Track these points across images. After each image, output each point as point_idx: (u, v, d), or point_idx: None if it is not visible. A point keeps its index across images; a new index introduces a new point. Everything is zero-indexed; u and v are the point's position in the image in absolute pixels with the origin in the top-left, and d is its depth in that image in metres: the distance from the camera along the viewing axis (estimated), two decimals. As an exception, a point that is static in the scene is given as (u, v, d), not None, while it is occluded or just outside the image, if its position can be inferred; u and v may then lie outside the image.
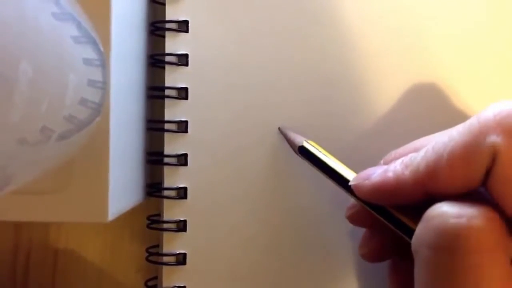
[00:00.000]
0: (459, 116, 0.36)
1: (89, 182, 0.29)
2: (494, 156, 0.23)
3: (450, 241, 0.23)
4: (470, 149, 0.24)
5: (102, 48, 0.29)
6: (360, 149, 0.37)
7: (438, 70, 0.37)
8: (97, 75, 0.28)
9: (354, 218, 0.32)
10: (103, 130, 0.29)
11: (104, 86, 0.29)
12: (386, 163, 0.30)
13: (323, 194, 0.36)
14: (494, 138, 0.23)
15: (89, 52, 0.28)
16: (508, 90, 0.37)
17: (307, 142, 0.34)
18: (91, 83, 0.27)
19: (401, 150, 0.30)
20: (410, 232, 0.26)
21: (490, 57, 0.37)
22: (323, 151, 0.33)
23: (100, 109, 0.29)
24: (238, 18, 0.37)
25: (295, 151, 0.35)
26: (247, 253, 0.37)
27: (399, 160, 0.28)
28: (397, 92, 0.37)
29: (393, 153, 0.31)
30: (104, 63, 0.29)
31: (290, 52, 0.37)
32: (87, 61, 0.27)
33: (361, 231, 0.33)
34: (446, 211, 0.23)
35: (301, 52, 0.37)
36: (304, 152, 0.34)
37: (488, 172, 0.24)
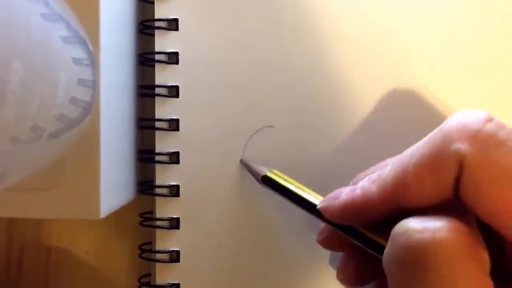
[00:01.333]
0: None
1: (81, 179, 0.30)
2: (460, 163, 0.23)
3: (417, 257, 0.22)
4: (436, 157, 0.24)
5: (91, 48, 0.29)
6: (347, 148, 0.36)
7: (422, 77, 0.36)
8: (87, 74, 0.28)
9: (327, 243, 0.31)
10: (94, 128, 0.30)
11: (94, 85, 0.29)
12: (357, 181, 0.29)
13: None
14: (458, 145, 0.23)
15: (78, 52, 0.28)
16: (496, 94, 0.37)
17: (271, 172, 0.34)
18: (81, 82, 0.28)
19: (369, 171, 0.30)
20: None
21: (478, 62, 0.37)
22: (288, 179, 0.33)
23: (91, 108, 0.29)
24: (228, 16, 0.37)
25: (258, 182, 0.34)
26: (241, 250, 0.37)
27: (366, 177, 0.27)
28: (383, 96, 0.37)
29: (361, 175, 0.30)
30: (93, 63, 0.29)
31: (280, 50, 0.37)
32: (76, 61, 0.27)
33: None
34: (410, 227, 0.23)
35: (292, 50, 0.37)
36: (268, 182, 0.34)
37: (457, 181, 0.23)
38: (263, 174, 0.34)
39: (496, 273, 0.23)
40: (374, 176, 0.27)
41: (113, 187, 0.32)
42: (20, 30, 0.23)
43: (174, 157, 0.36)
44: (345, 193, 0.27)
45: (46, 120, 0.25)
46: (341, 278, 0.31)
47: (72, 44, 0.27)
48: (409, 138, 0.26)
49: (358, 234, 0.27)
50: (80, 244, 0.39)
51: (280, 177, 0.33)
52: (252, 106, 0.37)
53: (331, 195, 0.29)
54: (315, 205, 0.30)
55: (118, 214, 0.35)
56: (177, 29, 0.36)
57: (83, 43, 0.29)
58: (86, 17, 0.29)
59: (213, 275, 0.37)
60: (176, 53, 0.36)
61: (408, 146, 0.26)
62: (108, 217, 0.31)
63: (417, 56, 0.36)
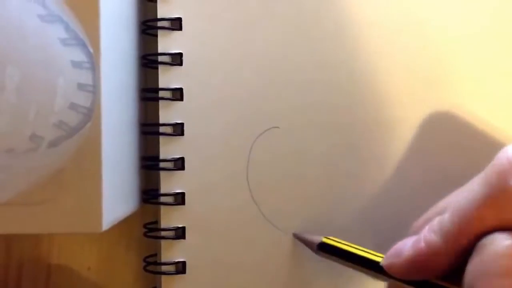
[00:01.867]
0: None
1: (81, 191, 0.29)
2: None
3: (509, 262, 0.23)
4: (496, 195, 0.24)
5: (91, 50, 0.28)
6: (353, 148, 0.36)
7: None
8: (87, 78, 0.28)
9: None
10: (95, 135, 0.29)
11: (94, 90, 0.28)
12: (416, 230, 0.29)
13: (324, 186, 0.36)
14: None
15: (78, 55, 0.27)
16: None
17: (326, 238, 0.34)
18: (81, 87, 0.27)
19: (424, 216, 0.30)
20: None
21: (495, 56, 0.36)
22: (343, 242, 0.33)
23: (91, 114, 0.28)
24: (234, 14, 0.36)
25: (315, 252, 0.34)
26: (249, 261, 0.36)
27: (425, 228, 0.27)
28: (392, 93, 0.36)
29: (419, 222, 0.30)
30: (94, 66, 0.28)
31: (287, 50, 0.36)
32: (76, 64, 0.26)
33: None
34: (499, 237, 0.23)
35: (298, 50, 0.36)
36: (325, 249, 0.33)
37: None
38: (318, 241, 0.34)
39: None
40: (435, 226, 0.26)
41: (116, 197, 0.31)
42: (15, 31, 0.23)
43: (179, 163, 0.36)
44: (408, 247, 0.27)
45: (45, 128, 0.25)
46: None
47: (71, 47, 0.26)
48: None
49: (429, 285, 0.27)
50: (82, 259, 0.38)
51: (336, 241, 0.33)
52: (259, 108, 0.36)
53: (393, 251, 0.28)
54: (377, 263, 0.29)
55: (121, 226, 0.34)
56: (180, 28, 0.36)
57: (82, 45, 0.28)
58: (86, 18, 0.28)
59: (220, 286, 0.36)
60: (180, 54, 0.36)
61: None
62: (110, 229, 0.30)
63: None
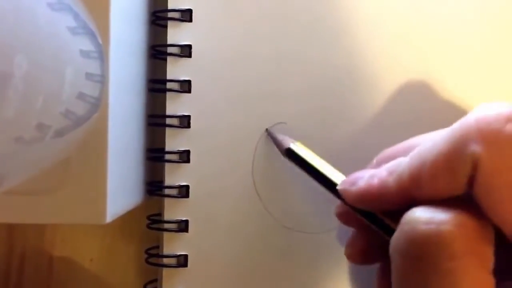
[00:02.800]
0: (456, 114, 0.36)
1: (86, 182, 0.28)
2: (475, 166, 0.23)
3: (419, 248, 0.23)
4: (452, 158, 0.24)
5: (100, 40, 0.28)
6: (359, 144, 0.36)
7: (436, 68, 0.36)
8: (95, 68, 0.27)
9: (343, 217, 0.32)
10: (101, 126, 0.28)
11: (102, 80, 0.28)
12: (378, 163, 0.30)
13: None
14: (474, 147, 0.23)
15: (86, 44, 0.27)
16: (505, 87, 0.37)
17: (295, 144, 0.34)
18: (89, 76, 0.27)
19: (393, 149, 0.30)
20: None
21: (488, 54, 0.36)
22: (312, 154, 0.33)
23: (99, 104, 0.28)
24: (244, 7, 0.36)
25: (282, 154, 0.34)
26: (251, 255, 0.36)
27: (385, 166, 0.28)
28: (395, 91, 0.36)
29: (387, 152, 0.31)
30: (102, 56, 0.28)
31: (297, 43, 0.36)
32: (84, 53, 0.26)
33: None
34: (417, 217, 0.24)
35: (308, 44, 0.36)
36: (291, 155, 0.33)
37: (471, 180, 0.23)
38: (287, 146, 0.34)
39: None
40: (391, 166, 0.27)
41: (121, 189, 0.31)
42: (24, 20, 0.22)
43: (185, 156, 0.35)
44: (363, 180, 0.28)
45: (52, 117, 0.24)
46: (348, 253, 0.32)
47: (80, 36, 0.26)
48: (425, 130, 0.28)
49: (373, 217, 0.29)
50: (85, 250, 0.38)
51: (305, 150, 0.33)
52: (266, 103, 0.36)
53: (350, 178, 0.29)
54: (335, 185, 0.31)
55: (124, 217, 0.33)
56: (190, 20, 0.35)
57: (91, 34, 0.27)
58: (95, 7, 0.28)
59: (221, 280, 0.36)
60: (189, 46, 0.35)
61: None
62: (113, 221, 0.30)
63: (437, 51, 0.36)
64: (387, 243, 0.26)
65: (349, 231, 0.32)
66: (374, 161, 0.31)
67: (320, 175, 0.32)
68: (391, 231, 0.26)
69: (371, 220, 0.29)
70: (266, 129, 0.36)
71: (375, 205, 0.28)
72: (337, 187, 0.30)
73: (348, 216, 0.32)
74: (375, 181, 0.27)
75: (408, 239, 0.24)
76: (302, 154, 0.33)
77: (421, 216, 0.24)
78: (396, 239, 0.24)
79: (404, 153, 0.27)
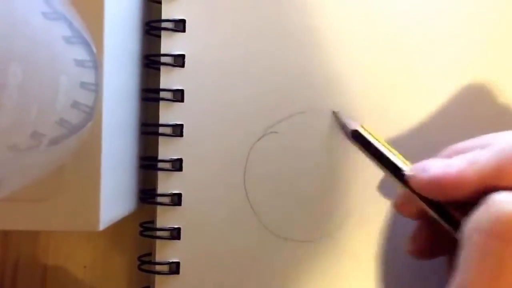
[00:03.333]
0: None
1: (80, 189, 0.29)
2: None
3: (506, 226, 0.24)
4: None
5: (94, 49, 0.28)
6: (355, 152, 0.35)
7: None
8: (89, 77, 0.27)
9: (402, 208, 0.32)
10: (95, 134, 0.29)
11: (96, 89, 0.28)
12: (448, 155, 0.30)
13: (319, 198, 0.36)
14: None
15: (81, 53, 0.27)
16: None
17: (362, 127, 0.34)
18: (84, 85, 0.27)
19: (465, 144, 0.30)
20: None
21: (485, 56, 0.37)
22: (379, 138, 0.33)
23: (93, 113, 0.28)
24: (236, 17, 0.36)
25: (347, 137, 0.35)
26: (243, 262, 0.36)
27: (462, 156, 0.28)
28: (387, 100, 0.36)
29: (458, 146, 0.30)
30: (96, 65, 0.28)
31: (289, 53, 0.36)
32: (79, 63, 0.26)
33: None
34: (505, 198, 0.24)
35: (301, 53, 0.36)
36: (357, 137, 0.34)
37: None
38: (354, 128, 0.34)
39: None
40: (471, 158, 0.27)
41: (114, 196, 0.31)
42: (19, 29, 0.22)
43: (177, 164, 0.36)
44: (438, 167, 0.28)
45: (46, 126, 0.24)
46: (411, 249, 0.32)
47: (74, 45, 0.26)
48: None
49: (439, 207, 0.28)
50: (78, 257, 0.38)
51: (371, 135, 0.33)
52: (258, 112, 0.36)
53: (420, 165, 0.29)
54: (402, 171, 0.30)
55: (117, 224, 0.34)
56: (184, 30, 0.36)
57: (86, 44, 0.28)
58: (90, 16, 0.28)
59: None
60: (182, 56, 0.35)
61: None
62: (107, 227, 0.30)
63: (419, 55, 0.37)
64: (449, 236, 0.27)
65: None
66: (444, 153, 0.31)
67: (386, 159, 0.32)
68: (456, 222, 0.27)
69: (436, 211, 0.29)
70: (333, 112, 0.36)
71: (448, 193, 0.28)
72: (406, 172, 0.30)
73: (408, 207, 0.32)
74: (453, 169, 0.27)
75: (494, 217, 0.24)
76: (368, 137, 0.33)
77: (508, 197, 0.24)
78: (478, 218, 0.25)
79: (480, 148, 0.28)
